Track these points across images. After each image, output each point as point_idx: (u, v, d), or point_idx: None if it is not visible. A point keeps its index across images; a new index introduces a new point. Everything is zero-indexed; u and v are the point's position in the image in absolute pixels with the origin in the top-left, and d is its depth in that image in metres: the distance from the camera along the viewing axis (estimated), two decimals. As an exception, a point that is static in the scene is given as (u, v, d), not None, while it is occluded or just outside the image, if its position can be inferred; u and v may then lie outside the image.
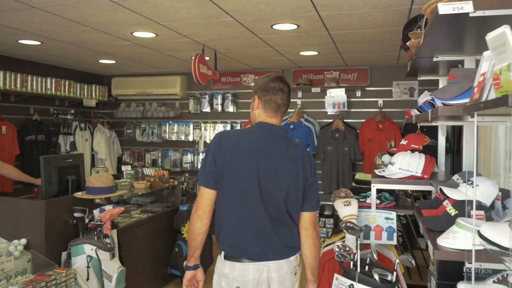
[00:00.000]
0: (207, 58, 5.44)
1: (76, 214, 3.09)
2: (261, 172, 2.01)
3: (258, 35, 4.31)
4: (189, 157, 6.98)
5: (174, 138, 7.06)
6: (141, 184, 4.90)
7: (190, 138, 6.94)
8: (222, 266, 2.08)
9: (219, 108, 6.82)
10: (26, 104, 5.99)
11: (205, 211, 2.05)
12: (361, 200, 2.78)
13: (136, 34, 4.24)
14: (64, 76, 6.40)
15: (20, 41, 4.61)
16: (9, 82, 5.42)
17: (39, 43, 4.71)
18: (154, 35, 4.28)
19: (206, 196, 2.05)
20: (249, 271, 2.02)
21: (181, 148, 7.13)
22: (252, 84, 6.52)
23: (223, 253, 2.09)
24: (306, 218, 2.11)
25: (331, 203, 6.56)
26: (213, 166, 2.04)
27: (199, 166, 6.67)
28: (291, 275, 2.09)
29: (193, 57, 4.60)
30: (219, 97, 6.82)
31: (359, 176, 3.49)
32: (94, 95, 6.91)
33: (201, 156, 6.89)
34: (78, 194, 3.32)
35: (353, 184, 3.38)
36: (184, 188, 5.39)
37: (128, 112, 7.18)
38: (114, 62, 6.03)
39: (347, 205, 2.53)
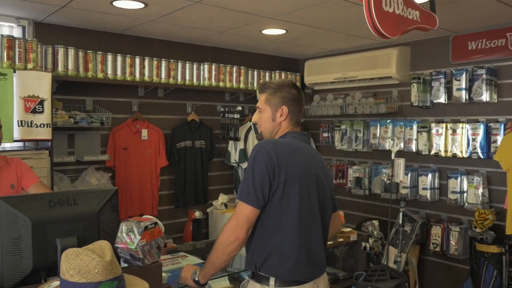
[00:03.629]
0: (420, 1, 2.77)
1: None
2: (317, 182, 1.91)
3: None
4: (412, 177, 4.30)
5: (388, 146, 4.49)
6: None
7: (413, 147, 4.26)
8: None
9: (463, 96, 3.87)
10: (180, 101, 4.58)
11: (248, 233, 1.80)
12: None
13: None
14: (235, 62, 4.74)
15: (113, 4, 3.07)
16: (148, 71, 4.07)
17: (142, 5, 3.08)
18: None
19: (253, 216, 1.79)
20: None
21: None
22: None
23: (272, 279, 1.79)
24: (337, 217, 2.15)
25: None
26: (266, 183, 1.78)
27: (431, 195, 4.19)
28: (328, 285, 2.05)
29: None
30: (463, 77, 3.88)
31: None
32: (277, 86, 5.05)
33: (430, 176, 4.14)
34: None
35: None
36: (375, 248, 2.98)
37: (324, 107, 5.01)
38: (284, 31, 3.96)
39: None
